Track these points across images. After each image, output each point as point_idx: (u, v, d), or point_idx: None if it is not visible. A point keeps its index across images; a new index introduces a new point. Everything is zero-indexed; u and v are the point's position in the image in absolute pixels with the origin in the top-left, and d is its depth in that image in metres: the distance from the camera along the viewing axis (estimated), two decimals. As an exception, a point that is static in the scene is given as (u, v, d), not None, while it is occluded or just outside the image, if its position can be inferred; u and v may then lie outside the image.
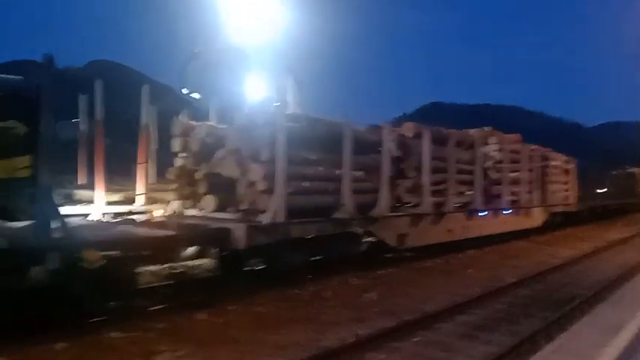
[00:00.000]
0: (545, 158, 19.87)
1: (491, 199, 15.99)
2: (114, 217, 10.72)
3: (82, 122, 12.07)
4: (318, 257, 10.50)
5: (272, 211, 8.79)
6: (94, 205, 10.75)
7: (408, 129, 13.34)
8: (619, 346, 4.82)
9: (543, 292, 9.59)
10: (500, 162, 16.49)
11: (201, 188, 9.83)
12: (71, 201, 10.88)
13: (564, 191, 21.79)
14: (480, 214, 15.09)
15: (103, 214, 10.69)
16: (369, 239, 11.87)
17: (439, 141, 13.50)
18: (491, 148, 16.71)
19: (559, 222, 21.34)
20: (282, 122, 9.01)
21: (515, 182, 17.13)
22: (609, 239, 18.31)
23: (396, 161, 12.32)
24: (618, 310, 6.47)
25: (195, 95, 13.90)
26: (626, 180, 34.44)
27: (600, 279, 10.68)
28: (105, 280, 6.52)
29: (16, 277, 5.78)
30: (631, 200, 34.52)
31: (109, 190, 11.58)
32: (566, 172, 22.27)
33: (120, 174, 13.43)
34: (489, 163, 16.31)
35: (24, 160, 8.38)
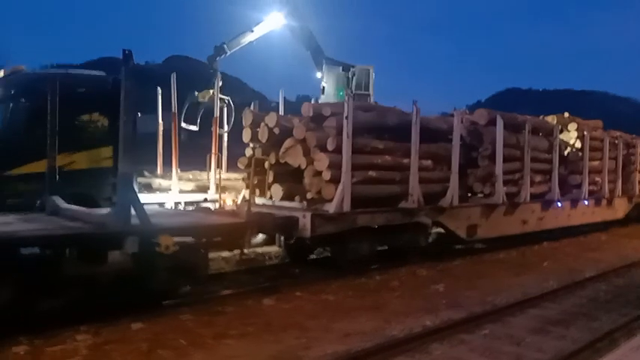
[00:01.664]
0: (630, 145, 18.57)
1: (569, 189, 15.19)
2: (188, 205, 11.24)
3: (159, 115, 12.71)
4: (384, 247, 10.46)
5: (338, 201, 8.86)
6: (170, 194, 11.32)
7: (481, 116, 12.91)
8: None
9: (625, 288, 9.01)
10: (579, 150, 15.61)
11: (270, 177, 10.06)
12: (150, 189, 11.52)
13: (652, 181, 20.28)
14: (557, 204, 14.39)
15: (178, 202, 11.25)
16: (438, 230, 11.67)
17: (513, 128, 12.97)
18: (571, 135, 15.84)
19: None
20: (350, 112, 9.02)
21: (595, 171, 16.15)
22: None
23: (468, 149, 11.99)
24: None
25: (193, 128, 14.18)
26: None
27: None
28: (179, 265, 6.85)
29: (98, 261, 6.20)
30: None
31: (184, 179, 12.16)
32: (655, 160, 20.70)
33: (195, 165, 14.04)
34: (568, 151, 15.49)
35: (107, 151, 9.02)
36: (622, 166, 17.55)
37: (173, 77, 12.09)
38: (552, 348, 5.83)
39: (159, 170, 12.73)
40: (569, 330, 6.61)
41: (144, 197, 9.91)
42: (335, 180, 9.00)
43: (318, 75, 17.77)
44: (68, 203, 7.61)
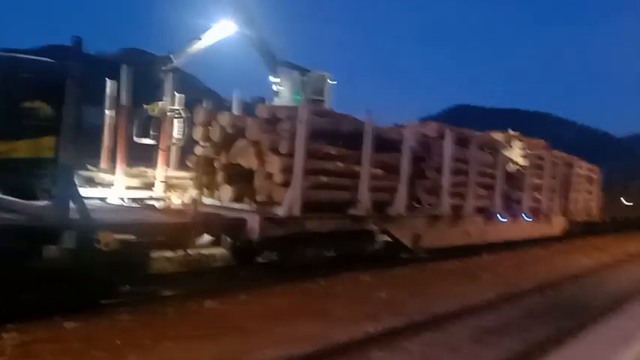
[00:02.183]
0: (570, 166, 19.53)
1: (511, 205, 15.78)
2: (132, 202, 10.89)
3: (107, 107, 12.26)
4: (331, 253, 10.49)
5: (288, 204, 8.83)
6: (114, 189, 10.94)
7: (431, 129, 13.24)
8: (630, 356, 4.73)
9: (558, 301, 9.42)
10: (523, 167, 16.25)
11: (220, 178, 9.92)
12: (92, 184, 11.09)
13: (587, 201, 21.38)
14: (499, 218, 14.90)
15: (122, 198, 10.88)
16: (385, 238, 11.83)
17: (461, 142, 13.37)
18: (515, 152, 16.47)
19: (579, 231, 20.97)
20: (305, 117, 9.03)
21: (537, 189, 16.87)
22: (629, 251, 17.90)
23: (417, 161, 12.23)
24: (632, 322, 6.34)
25: (149, 141, 13.76)
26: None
27: (617, 290, 10.45)
28: (119, 263, 6.62)
29: (32, 255, 5.90)
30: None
31: (129, 175, 11.77)
32: (591, 180, 21.84)
33: (141, 160, 13.64)
34: (512, 168, 16.10)
35: (49, 141, 8.60)
36: (561, 185, 18.40)
37: (124, 69, 11.73)
38: (488, 357, 6.00)
39: (103, 164, 12.27)
40: (504, 340, 6.81)
41: (86, 191, 9.54)
42: (286, 183, 8.98)
43: (271, 79, 17.63)
44: (5, 193, 7.22)
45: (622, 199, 27.80)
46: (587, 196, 21.41)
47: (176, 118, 13.22)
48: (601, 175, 23.02)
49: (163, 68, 14.23)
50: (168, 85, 13.70)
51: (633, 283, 11.47)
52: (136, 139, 13.14)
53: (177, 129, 13.10)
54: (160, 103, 13.24)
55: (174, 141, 12.82)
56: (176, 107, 13.27)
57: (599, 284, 11.41)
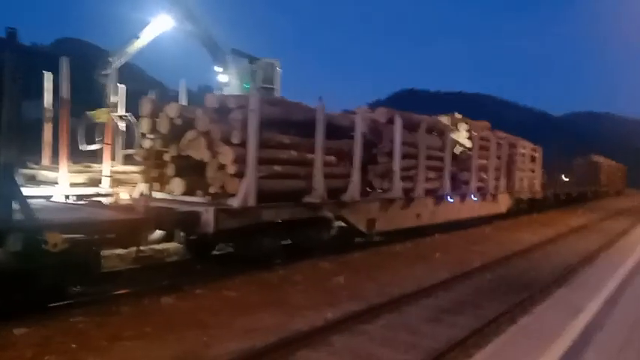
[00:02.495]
0: (513, 146, 20.25)
1: (459, 185, 16.23)
2: (78, 199, 10.50)
3: (46, 101, 11.71)
4: (288, 241, 10.49)
5: (242, 195, 8.73)
6: (58, 187, 10.50)
7: (381, 114, 13.38)
8: (579, 326, 4.99)
9: (508, 277, 9.82)
10: (469, 149, 16.72)
11: (170, 171, 9.67)
12: (34, 182, 10.61)
13: (530, 178, 22.27)
14: (448, 199, 15.31)
15: (67, 195, 10.46)
16: (339, 224, 11.92)
17: (410, 127, 13.59)
18: (461, 135, 16.92)
19: (524, 208, 21.85)
20: (256, 105, 8.91)
21: (483, 169, 17.42)
22: (572, 225, 18.85)
23: (368, 146, 12.36)
24: (579, 293, 6.68)
25: (95, 147, 13.35)
26: (589, 168, 35.46)
27: (562, 263, 10.99)
28: (68, 264, 6.37)
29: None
30: (594, 188, 35.59)
31: (74, 171, 11.32)
32: (533, 159, 22.75)
33: (85, 155, 13.13)
34: (458, 150, 16.52)
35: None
36: (506, 165, 19.07)
37: (63, 61, 11.21)
38: (445, 335, 6.18)
39: (45, 161, 11.75)
40: (459, 318, 7.05)
41: (28, 190, 9.12)
42: (240, 174, 8.85)
43: (217, 69, 17.30)
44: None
45: (562, 176, 29.13)
46: (530, 175, 22.30)
47: (124, 122, 12.82)
48: (542, 154, 23.99)
49: (103, 72, 13.72)
50: (110, 84, 13.26)
51: (576, 256, 12.06)
52: (81, 147, 12.66)
53: (127, 136, 12.71)
54: (105, 109, 12.83)
55: (130, 151, 12.41)
56: (124, 114, 12.90)
57: (545, 258, 11.95)
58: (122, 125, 13.03)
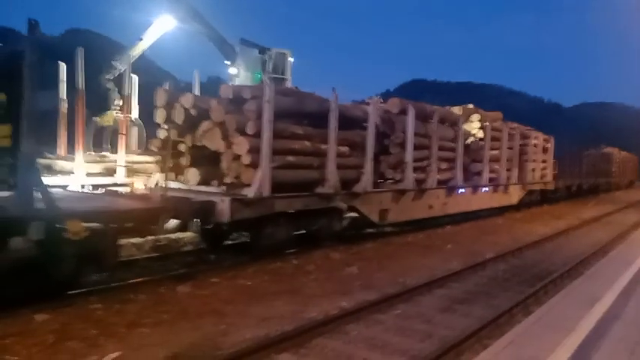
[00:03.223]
0: (525, 136, 20.12)
1: (471, 177, 16.20)
2: (94, 189, 10.63)
3: (61, 92, 11.82)
4: (301, 231, 10.56)
5: (257, 185, 8.80)
6: (74, 177, 10.64)
7: (393, 105, 13.35)
8: (594, 318, 5.00)
9: (521, 268, 9.82)
10: (481, 139, 16.65)
11: (185, 161, 9.75)
12: (51, 172, 10.74)
13: (542, 169, 22.14)
14: (459, 190, 15.29)
15: (83, 185, 10.60)
16: (352, 214, 11.98)
17: (423, 117, 13.57)
18: (474, 126, 16.85)
19: (535, 200, 21.75)
20: (271, 96, 8.94)
21: (495, 160, 17.34)
22: (583, 217, 18.74)
23: (381, 137, 12.36)
24: (593, 284, 6.67)
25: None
26: (601, 159, 35.16)
27: (575, 255, 10.96)
28: (88, 252, 6.49)
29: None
30: (606, 179, 35.30)
31: (89, 161, 11.45)
32: (545, 150, 22.59)
33: (99, 145, 13.27)
34: (471, 140, 16.47)
35: (4, 130, 8.22)
36: (518, 156, 18.98)
37: (79, 52, 11.30)
38: (459, 325, 6.22)
39: (61, 151, 11.88)
40: (473, 308, 7.09)
41: (46, 180, 9.24)
42: (254, 164, 8.92)
43: (227, 62, 17.33)
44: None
45: (575, 168, 28.89)
46: (542, 166, 22.16)
47: (133, 126, 12.90)
48: (553, 144, 23.79)
49: (109, 77, 13.82)
50: (116, 88, 13.34)
51: (588, 247, 12.02)
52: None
53: (134, 138, 12.80)
54: (114, 112, 12.96)
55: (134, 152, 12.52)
56: (130, 115, 13.03)
57: (558, 250, 11.92)
58: (135, 128, 13.17)
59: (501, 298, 7.52)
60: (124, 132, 12.04)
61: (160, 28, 14.79)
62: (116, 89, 13.90)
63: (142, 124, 13.22)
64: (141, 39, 14.60)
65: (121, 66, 14.03)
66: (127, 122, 12.26)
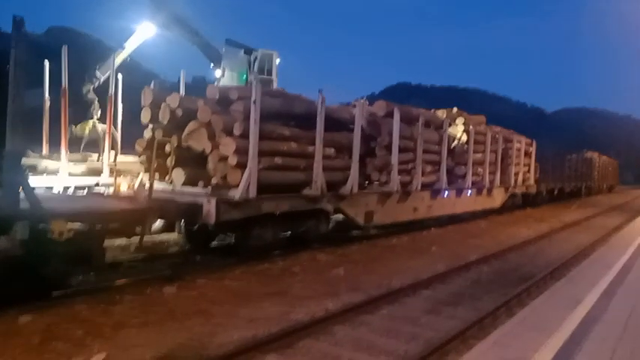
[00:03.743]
0: (508, 140, 20.34)
1: (455, 180, 16.34)
2: (79, 189, 10.53)
3: (45, 90, 11.71)
4: (287, 233, 10.57)
5: (243, 187, 8.79)
6: (59, 177, 10.52)
7: (380, 107, 13.44)
8: (577, 319, 5.10)
9: (504, 270, 9.95)
10: (465, 143, 16.81)
11: (170, 161, 9.70)
12: (35, 171, 10.61)
13: (524, 173, 22.41)
14: (444, 193, 15.42)
15: (68, 186, 10.49)
16: (338, 216, 12.02)
17: (408, 120, 13.66)
18: (458, 129, 17.00)
19: (518, 203, 22.01)
20: (258, 97, 8.94)
21: (478, 163, 17.52)
22: (565, 220, 19.02)
23: (367, 139, 12.43)
24: (575, 286, 6.79)
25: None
26: (583, 164, 35.68)
27: (557, 258, 11.13)
28: (73, 253, 6.44)
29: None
30: (587, 183, 35.86)
31: (74, 160, 11.34)
32: (527, 154, 22.87)
33: (74, 152, 13.11)
34: (455, 144, 16.62)
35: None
36: (501, 159, 19.20)
37: (63, 50, 11.19)
38: (444, 326, 6.29)
39: (44, 150, 11.75)
40: (457, 309, 7.17)
41: (31, 179, 9.13)
42: (241, 165, 8.91)
43: (212, 65, 17.30)
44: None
45: (557, 172, 29.26)
46: (525, 169, 22.43)
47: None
48: (536, 149, 24.08)
49: (92, 87, 13.73)
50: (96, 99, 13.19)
51: (571, 250, 12.21)
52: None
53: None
54: (91, 121, 12.88)
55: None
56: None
57: (541, 253, 12.09)
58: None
59: (485, 300, 7.62)
60: (109, 132, 11.93)
61: (141, 36, 14.79)
62: (97, 98, 13.84)
63: (116, 134, 13.12)
64: (123, 47, 14.57)
65: (102, 75, 13.97)
66: (110, 123, 12.14)
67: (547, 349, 4.34)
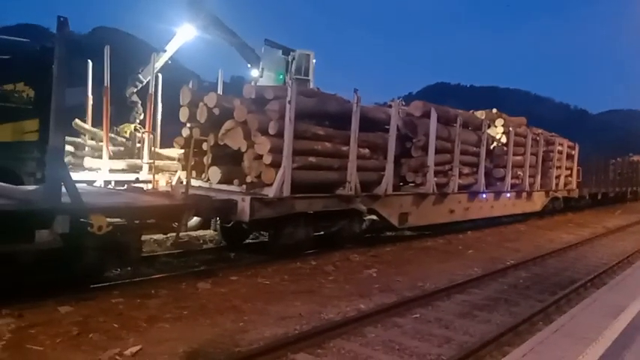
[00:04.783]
0: (549, 143, 19.79)
1: (493, 182, 16.01)
2: (119, 185, 10.81)
3: (88, 89, 12.07)
4: (320, 233, 10.58)
5: (277, 185, 8.84)
6: (100, 172, 10.83)
7: (416, 108, 13.27)
8: (618, 328, 4.90)
9: (542, 276, 9.67)
10: (504, 145, 16.45)
11: (208, 159, 9.84)
12: (77, 167, 10.96)
13: (566, 176, 21.76)
14: (482, 196, 15.12)
15: (107, 181, 10.78)
16: (372, 217, 11.94)
17: (446, 121, 13.45)
18: (497, 131, 16.65)
19: (559, 207, 21.39)
20: (293, 97, 8.97)
21: (518, 166, 17.10)
22: (608, 226, 18.37)
23: (402, 140, 12.31)
24: (617, 294, 6.53)
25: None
26: (629, 168, 34.38)
27: (599, 264, 10.76)
28: (111, 246, 6.61)
29: (24, 240, 5.83)
30: (633, 188, 34.52)
31: (115, 157, 11.64)
32: (569, 157, 22.20)
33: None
34: (494, 145, 16.28)
35: (32, 124, 8.44)
36: (541, 162, 18.69)
37: (106, 50, 11.51)
38: (479, 331, 6.16)
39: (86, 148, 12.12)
40: (492, 314, 7.02)
41: (72, 175, 9.43)
42: (276, 164, 8.96)
43: (249, 66, 17.46)
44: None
45: (601, 175, 28.32)
46: (566, 173, 21.79)
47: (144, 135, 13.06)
48: (578, 152, 23.38)
49: (135, 90, 14.09)
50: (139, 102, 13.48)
51: (613, 257, 11.78)
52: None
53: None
54: (133, 125, 13.24)
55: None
56: (139, 125, 13.24)
57: (581, 259, 11.70)
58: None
59: (522, 306, 7.43)
60: (149, 130, 12.20)
61: (181, 38, 15.09)
62: (139, 102, 14.18)
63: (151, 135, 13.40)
64: (165, 50, 14.90)
65: (145, 79, 14.32)
66: (150, 122, 12.41)
67: (586, 359, 4.18)
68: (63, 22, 5.69)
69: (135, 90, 14.51)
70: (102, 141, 11.36)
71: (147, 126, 12.27)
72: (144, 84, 14.49)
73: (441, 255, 11.23)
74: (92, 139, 12.09)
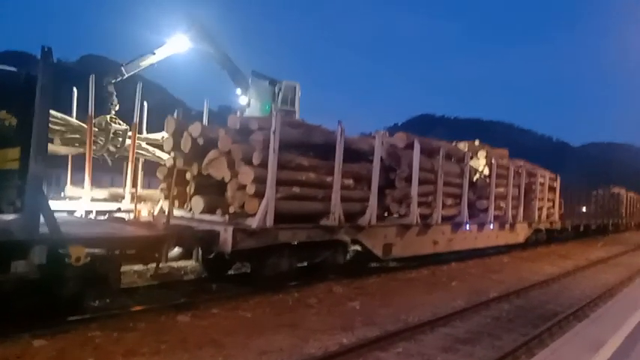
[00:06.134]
0: (532, 174, 20.04)
1: (476, 213, 16.10)
2: (100, 215, 10.68)
3: (73, 115, 12.02)
4: (304, 263, 10.49)
5: (261, 215, 8.79)
6: (81, 202, 10.70)
7: (400, 139, 13.41)
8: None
9: (525, 308, 9.66)
10: (487, 176, 16.62)
11: (191, 189, 9.79)
12: (58, 196, 10.83)
13: (548, 208, 21.99)
14: (465, 227, 15.18)
15: (89, 211, 10.65)
16: (355, 248, 11.90)
17: (429, 152, 13.59)
18: (480, 162, 16.84)
19: (542, 239, 21.54)
20: (277, 127, 9.02)
21: (501, 197, 17.26)
22: (590, 258, 18.51)
23: (386, 170, 12.38)
24: (599, 327, 6.54)
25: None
26: (610, 199, 34.88)
27: (581, 297, 10.80)
28: (90, 278, 6.47)
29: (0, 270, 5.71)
30: (615, 220, 34.95)
31: (97, 186, 11.53)
32: (552, 189, 22.47)
33: (108, 171, 13.37)
34: (477, 177, 16.44)
35: (14, 152, 8.33)
36: (524, 193, 18.88)
37: (92, 79, 11.52)
38: (461, 366, 6.11)
39: (68, 174, 12.00)
40: (475, 348, 6.96)
41: (52, 204, 9.30)
42: (259, 194, 8.94)
43: (238, 92, 17.59)
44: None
45: (583, 208, 28.68)
46: (549, 204, 22.02)
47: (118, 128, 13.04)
48: (560, 183, 23.67)
49: (113, 81, 14.08)
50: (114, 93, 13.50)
51: (595, 289, 11.84)
52: None
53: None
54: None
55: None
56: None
57: (564, 291, 11.74)
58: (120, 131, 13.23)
59: (505, 340, 7.39)
60: (132, 160, 12.13)
61: (173, 47, 15.15)
62: (115, 93, 14.09)
63: (127, 128, 13.28)
64: (154, 53, 14.92)
65: (127, 73, 14.31)
66: (134, 146, 12.35)
67: (567, 395, 4.16)
68: (47, 52, 5.71)
69: (113, 81, 14.40)
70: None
71: (130, 154, 12.17)
72: (125, 77, 14.46)
73: (425, 286, 11.18)
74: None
